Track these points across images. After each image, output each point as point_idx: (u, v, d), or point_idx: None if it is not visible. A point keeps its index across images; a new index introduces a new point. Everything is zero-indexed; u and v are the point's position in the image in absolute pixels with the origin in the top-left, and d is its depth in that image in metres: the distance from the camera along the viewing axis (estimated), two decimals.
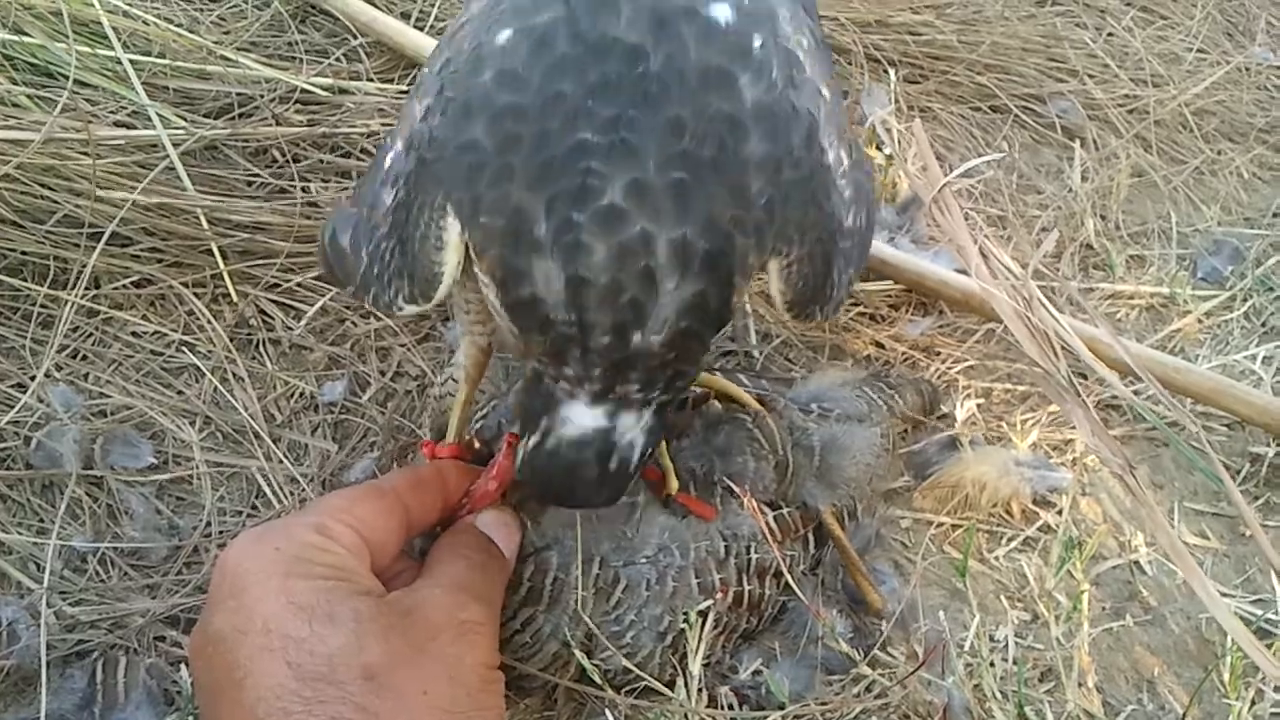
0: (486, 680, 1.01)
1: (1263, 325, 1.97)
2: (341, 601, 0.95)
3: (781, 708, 1.28)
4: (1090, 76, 2.45)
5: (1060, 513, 1.58)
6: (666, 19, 1.03)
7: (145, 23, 2.00)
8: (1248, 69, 2.59)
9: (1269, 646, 1.28)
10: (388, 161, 1.19)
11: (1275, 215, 2.24)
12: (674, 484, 1.35)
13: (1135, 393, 1.67)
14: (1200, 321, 1.96)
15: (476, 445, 1.42)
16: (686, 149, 0.99)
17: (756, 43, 1.07)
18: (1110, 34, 2.61)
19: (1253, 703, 1.33)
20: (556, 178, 0.99)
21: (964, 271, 1.72)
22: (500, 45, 1.06)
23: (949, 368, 1.79)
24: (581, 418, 1.05)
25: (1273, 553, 1.09)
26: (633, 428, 1.06)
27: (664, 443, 1.38)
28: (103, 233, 1.64)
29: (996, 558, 1.55)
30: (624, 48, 1.02)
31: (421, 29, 2.16)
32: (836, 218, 1.17)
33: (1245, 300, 2.01)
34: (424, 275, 1.11)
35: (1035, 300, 1.01)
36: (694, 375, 1.13)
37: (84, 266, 1.64)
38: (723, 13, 1.06)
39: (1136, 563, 1.56)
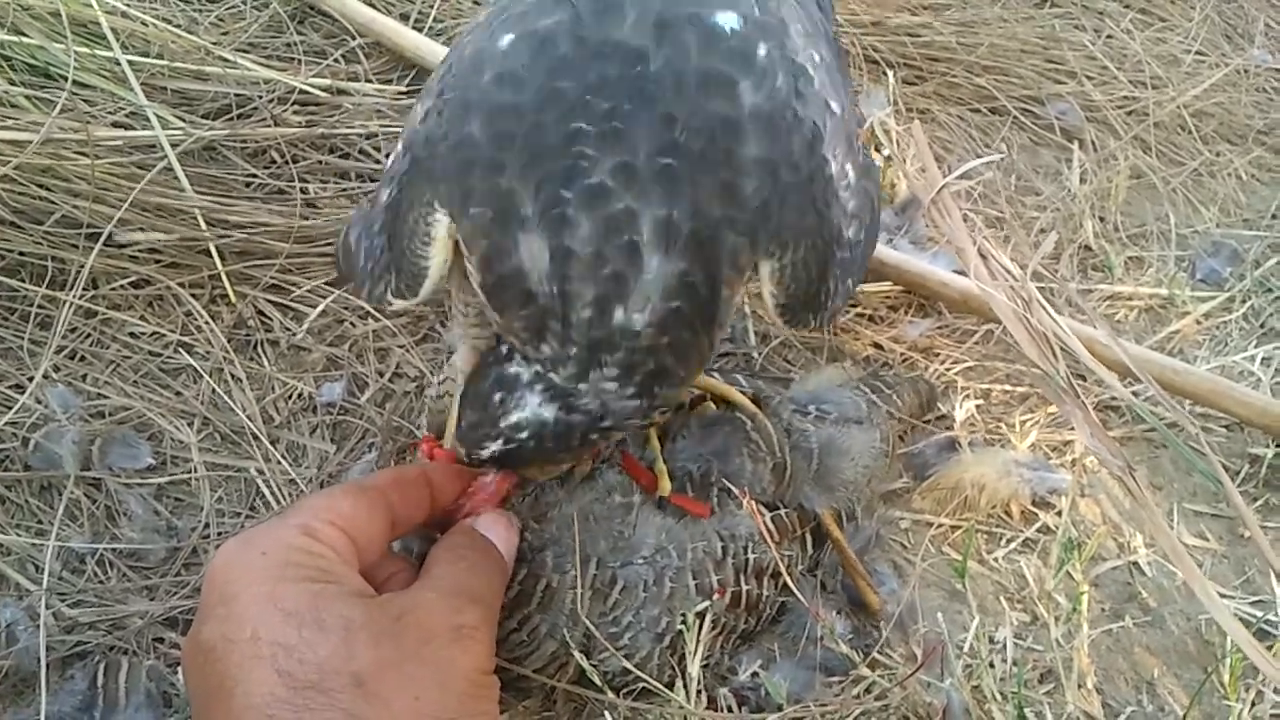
0: (480, 685, 1.00)
1: (1261, 326, 1.97)
2: (330, 606, 0.94)
3: (780, 709, 1.27)
4: (1089, 78, 2.45)
5: (1059, 514, 1.58)
6: (670, 24, 1.04)
7: (144, 23, 2.00)
8: (1246, 71, 2.59)
9: (1269, 648, 1.29)
10: (389, 163, 1.23)
11: (1274, 217, 2.24)
12: (666, 485, 1.34)
13: (1134, 394, 1.67)
14: (1199, 323, 1.96)
15: None
16: (677, 140, 1.01)
17: (761, 51, 1.08)
18: (1109, 36, 2.61)
19: (1253, 704, 1.33)
20: (547, 162, 1.01)
21: (963, 273, 1.72)
22: (502, 49, 1.08)
23: (948, 369, 1.79)
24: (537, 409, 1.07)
25: (1272, 554, 1.09)
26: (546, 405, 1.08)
27: (658, 444, 1.38)
28: (101, 233, 1.64)
29: (996, 559, 1.55)
30: (625, 50, 1.03)
31: (420, 30, 2.16)
32: (836, 226, 1.18)
33: (1244, 301, 2.01)
34: (410, 270, 1.13)
35: (1034, 301, 1.01)
36: (677, 387, 1.11)
37: (82, 267, 1.64)
38: (728, 20, 1.07)
39: (1136, 564, 1.56)
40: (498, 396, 1.08)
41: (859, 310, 1.87)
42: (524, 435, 1.08)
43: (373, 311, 1.72)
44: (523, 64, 1.05)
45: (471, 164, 1.05)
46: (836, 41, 1.30)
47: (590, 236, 0.99)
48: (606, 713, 1.24)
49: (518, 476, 1.23)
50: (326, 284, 1.73)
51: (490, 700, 1.02)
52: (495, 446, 1.10)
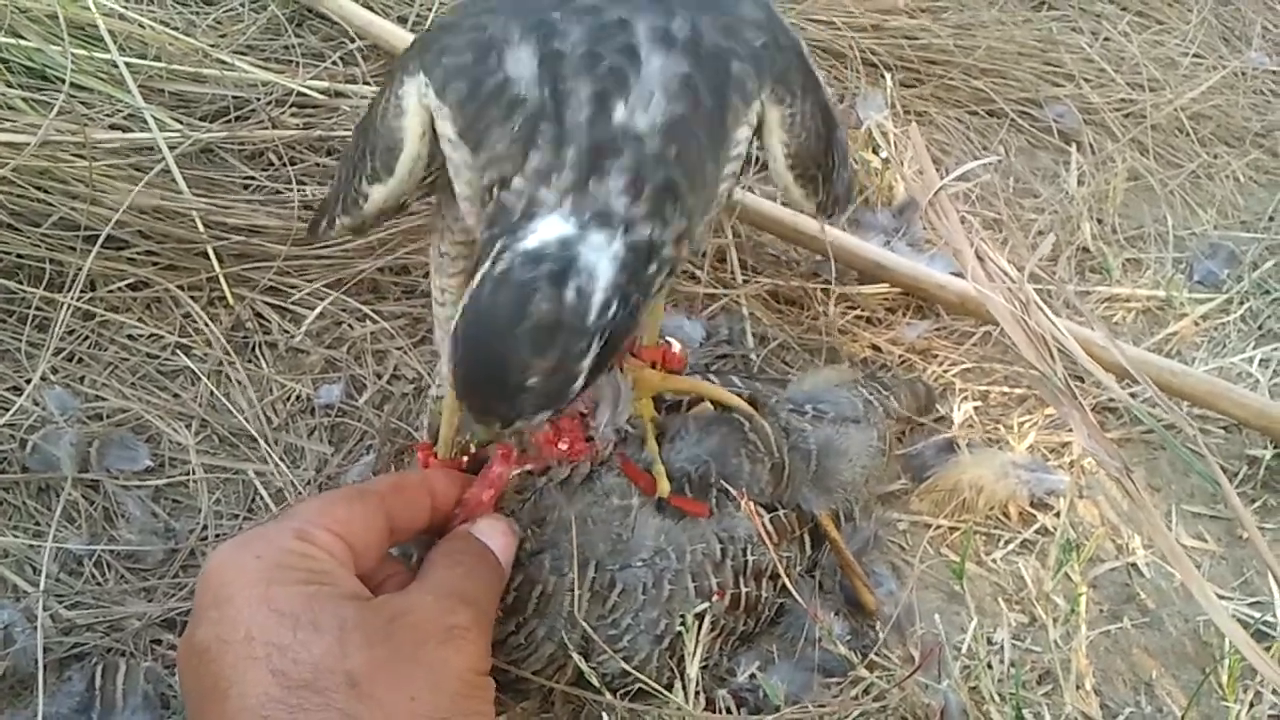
0: (474, 686, 1.00)
1: (1259, 328, 1.97)
2: (324, 607, 0.94)
3: (777, 711, 1.27)
4: (1086, 81, 2.45)
5: (1058, 515, 1.58)
6: None
7: (141, 26, 2.00)
8: (1244, 74, 2.60)
9: (1266, 649, 1.29)
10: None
11: (1271, 219, 2.24)
12: (665, 486, 1.34)
13: (1132, 395, 1.67)
14: (1197, 324, 1.96)
15: (473, 449, 1.42)
16: None
17: None
18: (1106, 38, 2.62)
19: (1251, 705, 1.33)
20: (534, 6, 1.02)
21: (960, 275, 1.72)
22: None
23: (946, 371, 1.79)
24: (545, 229, 0.92)
25: (1269, 554, 1.09)
26: (601, 249, 0.92)
27: (656, 445, 1.38)
28: (98, 235, 1.64)
29: (994, 560, 1.55)
30: None
31: (418, 32, 2.16)
32: (831, 102, 1.20)
33: (1242, 303, 2.02)
34: (385, 145, 1.10)
35: (1031, 303, 1.01)
36: (688, 217, 0.99)
37: (79, 269, 1.63)
38: None
39: (1134, 565, 1.56)
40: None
41: (857, 312, 1.87)
42: (610, 309, 0.92)
43: (371, 314, 1.72)
44: None
45: (448, 29, 1.06)
46: None
47: (582, 38, 0.98)
48: (605, 714, 1.24)
49: (518, 465, 1.24)
50: (321, 284, 1.73)
51: (485, 700, 1.02)
52: (594, 349, 0.93)
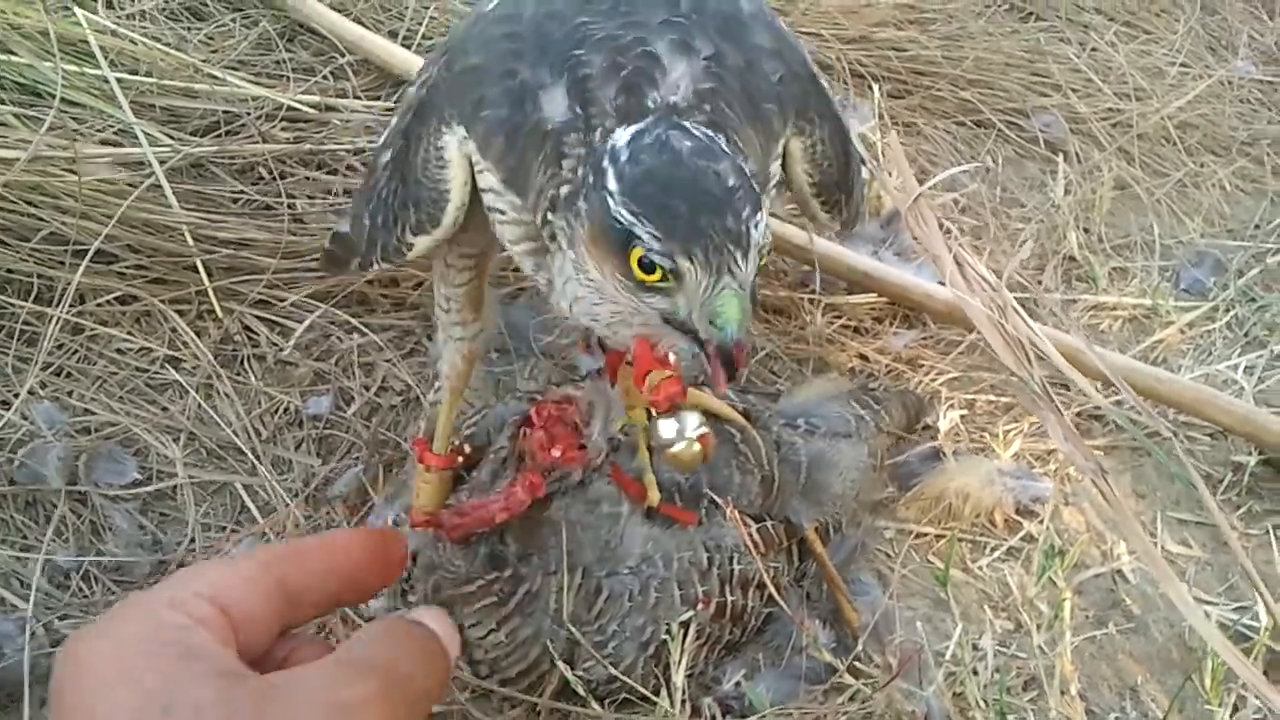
0: None
1: (1245, 335, 1.98)
2: (183, 687, 0.78)
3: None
4: (1073, 91, 2.46)
5: (1043, 522, 1.58)
6: None
7: (133, 42, 2.01)
8: (1230, 83, 2.61)
9: (1247, 652, 1.29)
10: (382, 137, 1.25)
11: (1258, 227, 2.26)
12: (655, 495, 1.35)
13: (1118, 404, 1.68)
14: (1183, 332, 1.97)
15: (467, 450, 1.44)
16: (685, 14, 1.05)
17: None
18: (1094, 49, 2.63)
19: (1235, 709, 1.33)
20: (558, 46, 1.04)
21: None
22: (493, 4, 1.13)
23: (932, 380, 1.80)
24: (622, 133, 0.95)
25: (1246, 559, 1.09)
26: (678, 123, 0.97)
27: (647, 454, 1.39)
28: (88, 250, 1.64)
29: (980, 567, 1.55)
30: None
31: (409, 47, 2.17)
32: (839, 109, 1.23)
33: (1228, 311, 2.03)
34: (430, 198, 1.13)
35: (1009, 307, 1.02)
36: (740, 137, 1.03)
37: (69, 284, 1.64)
38: None
39: (1120, 571, 1.57)
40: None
41: (844, 321, 1.88)
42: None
43: (359, 326, 1.73)
44: (514, 3, 1.10)
45: (481, 78, 1.07)
46: None
47: (603, 59, 1.01)
48: None
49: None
50: (310, 297, 1.74)
51: None
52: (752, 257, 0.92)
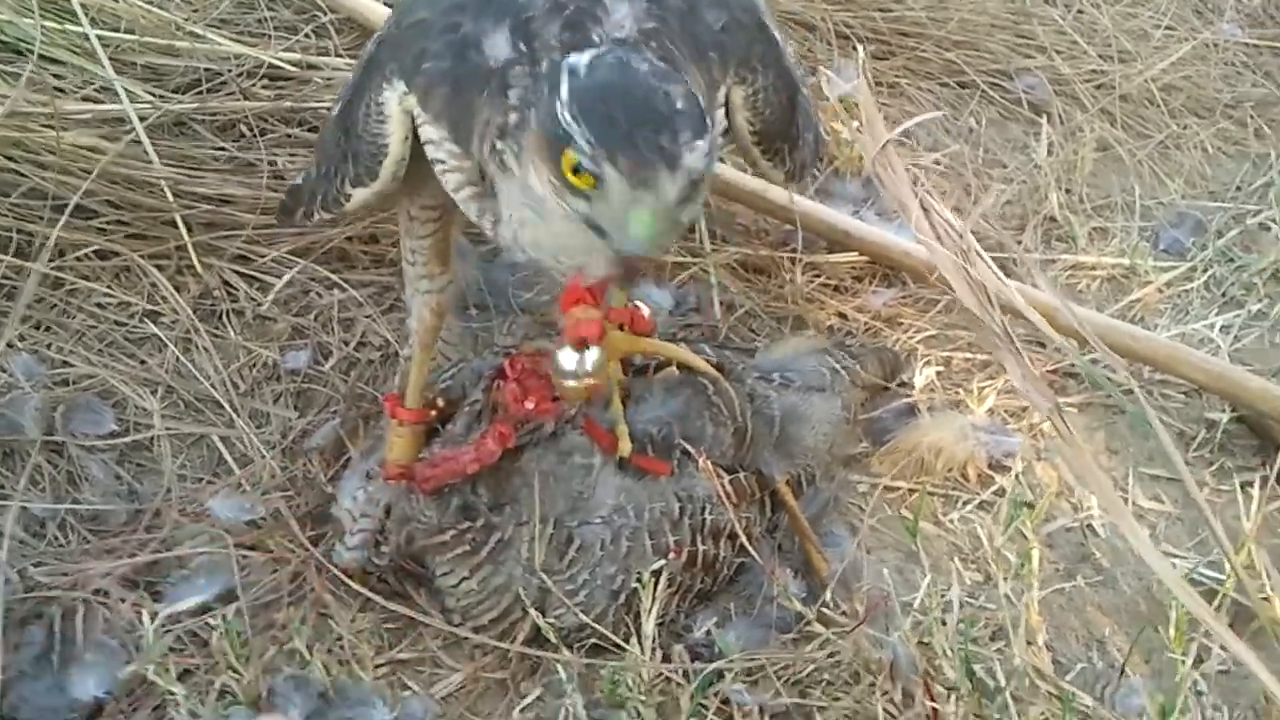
0: None
1: (1222, 295, 1.99)
2: None
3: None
4: (1058, 53, 2.46)
5: (1015, 476, 1.60)
6: None
7: None
8: (1215, 45, 2.60)
9: (1215, 607, 1.30)
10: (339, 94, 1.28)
11: (1238, 189, 2.26)
12: (627, 446, 1.36)
13: (1094, 361, 1.68)
14: (1160, 292, 1.98)
15: (441, 404, 1.45)
16: None
17: None
18: (1079, 11, 2.62)
19: (1199, 659, 1.34)
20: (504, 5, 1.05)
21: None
22: None
23: (910, 337, 1.81)
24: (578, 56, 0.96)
25: (1208, 508, 1.10)
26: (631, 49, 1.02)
27: (620, 406, 1.40)
28: (67, 205, 1.64)
29: (952, 521, 1.57)
30: None
31: (390, 4, 2.17)
32: (791, 63, 1.23)
33: (1205, 270, 2.03)
34: (368, 151, 1.15)
35: (972, 251, 1.03)
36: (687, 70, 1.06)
37: (48, 238, 1.64)
38: None
39: (1090, 525, 1.58)
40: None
41: (823, 280, 1.89)
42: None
43: (339, 282, 1.74)
44: None
45: (425, 31, 1.08)
46: None
47: (545, 2, 1.04)
48: (560, 668, 1.25)
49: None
50: (290, 253, 1.75)
51: None
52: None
